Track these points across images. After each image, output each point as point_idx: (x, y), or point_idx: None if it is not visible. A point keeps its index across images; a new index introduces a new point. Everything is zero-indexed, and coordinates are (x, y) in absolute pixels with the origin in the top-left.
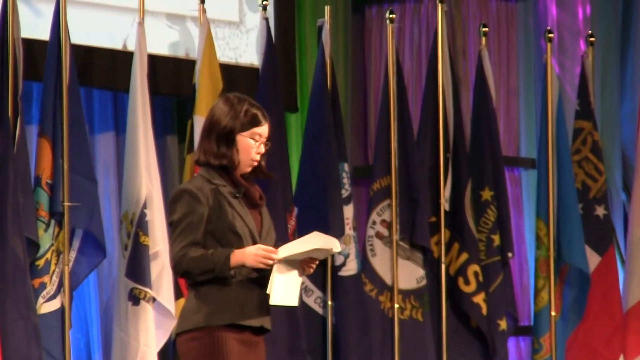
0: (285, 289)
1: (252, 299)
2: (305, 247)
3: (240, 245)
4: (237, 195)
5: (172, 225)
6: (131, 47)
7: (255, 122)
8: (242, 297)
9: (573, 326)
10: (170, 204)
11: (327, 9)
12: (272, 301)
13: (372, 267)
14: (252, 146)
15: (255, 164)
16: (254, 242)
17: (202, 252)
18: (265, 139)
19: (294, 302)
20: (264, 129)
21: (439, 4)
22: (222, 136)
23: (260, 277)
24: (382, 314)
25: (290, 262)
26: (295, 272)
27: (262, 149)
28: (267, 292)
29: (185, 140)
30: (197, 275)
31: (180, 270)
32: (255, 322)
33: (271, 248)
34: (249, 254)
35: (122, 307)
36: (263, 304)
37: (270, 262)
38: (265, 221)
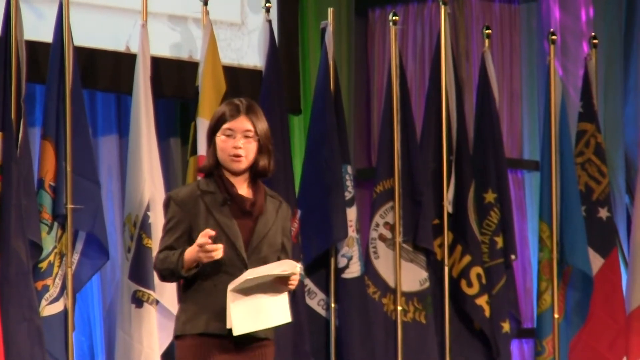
0: (247, 316)
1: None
2: (254, 274)
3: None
4: (223, 203)
5: None
6: (134, 49)
7: (222, 120)
8: (219, 304)
9: (576, 329)
10: (162, 207)
11: (330, 11)
12: (235, 332)
13: (375, 270)
14: (225, 141)
15: (238, 158)
16: (236, 251)
17: (166, 254)
18: (243, 131)
19: (262, 326)
20: (233, 123)
21: (442, 6)
22: (208, 142)
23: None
24: (385, 316)
25: (249, 289)
26: (255, 297)
27: (240, 143)
28: (228, 326)
29: (189, 143)
30: (167, 277)
31: (158, 274)
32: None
33: (213, 245)
34: (193, 250)
35: (126, 309)
36: None
37: (213, 254)
38: (260, 229)
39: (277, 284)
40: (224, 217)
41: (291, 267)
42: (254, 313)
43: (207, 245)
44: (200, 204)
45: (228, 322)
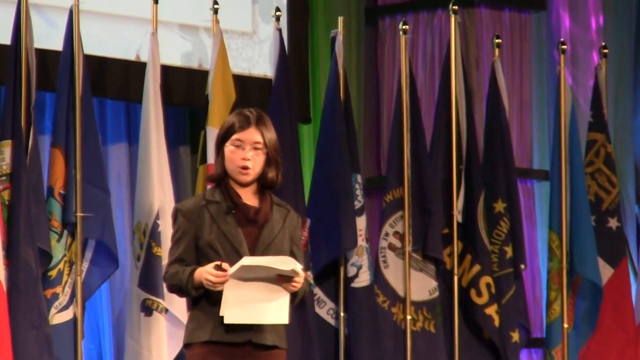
0: (239, 307)
1: None
2: (251, 262)
3: (220, 260)
4: (227, 212)
5: None
6: (144, 57)
7: (231, 130)
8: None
9: (585, 338)
10: (171, 219)
11: (340, 20)
12: (226, 320)
13: (384, 279)
14: (233, 152)
15: (246, 171)
16: (240, 258)
17: (177, 269)
18: (252, 143)
19: (255, 321)
20: (243, 134)
21: (452, 15)
22: (217, 151)
23: None
24: (394, 325)
25: (250, 282)
26: (253, 291)
27: (249, 155)
28: (220, 313)
29: (198, 151)
30: (176, 293)
31: (167, 287)
32: (235, 337)
33: (220, 272)
34: (202, 274)
35: (135, 317)
36: None
37: (217, 287)
38: (265, 237)
39: (279, 282)
40: (228, 225)
41: (292, 265)
42: (248, 306)
43: (216, 280)
44: (205, 213)
45: (222, 309)
